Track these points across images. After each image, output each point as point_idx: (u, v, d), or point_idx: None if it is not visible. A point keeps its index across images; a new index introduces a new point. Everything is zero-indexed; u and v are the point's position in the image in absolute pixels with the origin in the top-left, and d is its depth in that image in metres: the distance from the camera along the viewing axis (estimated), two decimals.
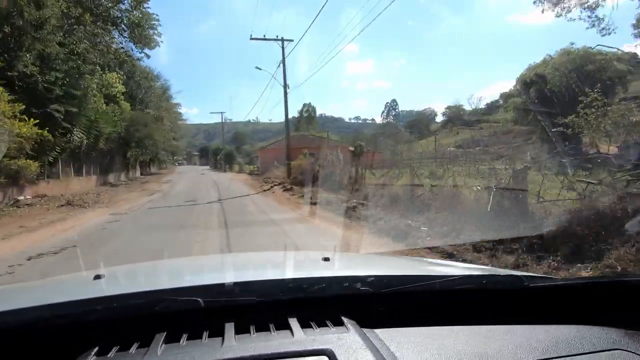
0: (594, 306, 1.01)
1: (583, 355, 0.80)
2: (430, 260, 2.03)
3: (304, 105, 73.00)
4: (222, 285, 1.00)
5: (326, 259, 1.41)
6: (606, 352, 0.81)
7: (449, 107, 64.63)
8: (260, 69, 22.99)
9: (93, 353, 0.80)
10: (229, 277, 1.14)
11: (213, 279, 1.21)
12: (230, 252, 5.45)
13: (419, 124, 64.20)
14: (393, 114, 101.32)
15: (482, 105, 64.39)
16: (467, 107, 64.65)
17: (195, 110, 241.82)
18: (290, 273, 1.29)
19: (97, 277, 1.21)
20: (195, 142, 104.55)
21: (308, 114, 72.44)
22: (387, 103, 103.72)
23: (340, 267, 1.43)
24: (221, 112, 54.49)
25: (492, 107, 58.58)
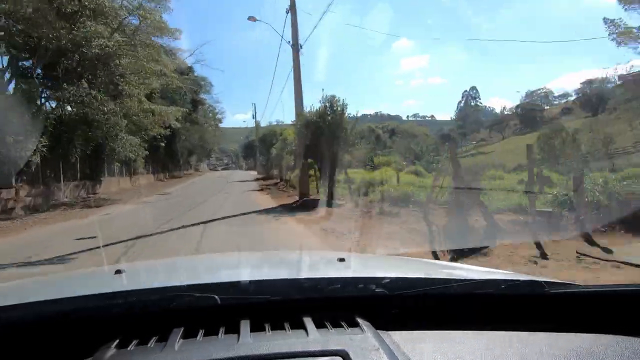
0: (618, 314, 0.95)
1: None
2: (447, 263, 1.97)
3: None
4: (238, 283, 1.02)
5: (341, 260, 1.39)
6: None
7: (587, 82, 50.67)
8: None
9: (113, 346, 0.84)
10: (245, 275, 1.17)
11: (229, 277, 1.24)
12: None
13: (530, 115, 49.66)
14: (472, 103, 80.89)
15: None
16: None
17: (249, 114, 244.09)
18: (305, 273, 1.29)
19: (118, 272, 1.28)
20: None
21: None
22: (464, 92, 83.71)
23: (355, 268, 1.41)
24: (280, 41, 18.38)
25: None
